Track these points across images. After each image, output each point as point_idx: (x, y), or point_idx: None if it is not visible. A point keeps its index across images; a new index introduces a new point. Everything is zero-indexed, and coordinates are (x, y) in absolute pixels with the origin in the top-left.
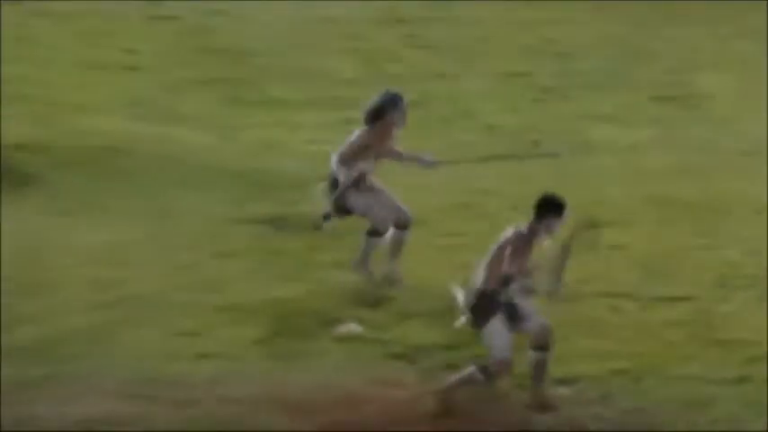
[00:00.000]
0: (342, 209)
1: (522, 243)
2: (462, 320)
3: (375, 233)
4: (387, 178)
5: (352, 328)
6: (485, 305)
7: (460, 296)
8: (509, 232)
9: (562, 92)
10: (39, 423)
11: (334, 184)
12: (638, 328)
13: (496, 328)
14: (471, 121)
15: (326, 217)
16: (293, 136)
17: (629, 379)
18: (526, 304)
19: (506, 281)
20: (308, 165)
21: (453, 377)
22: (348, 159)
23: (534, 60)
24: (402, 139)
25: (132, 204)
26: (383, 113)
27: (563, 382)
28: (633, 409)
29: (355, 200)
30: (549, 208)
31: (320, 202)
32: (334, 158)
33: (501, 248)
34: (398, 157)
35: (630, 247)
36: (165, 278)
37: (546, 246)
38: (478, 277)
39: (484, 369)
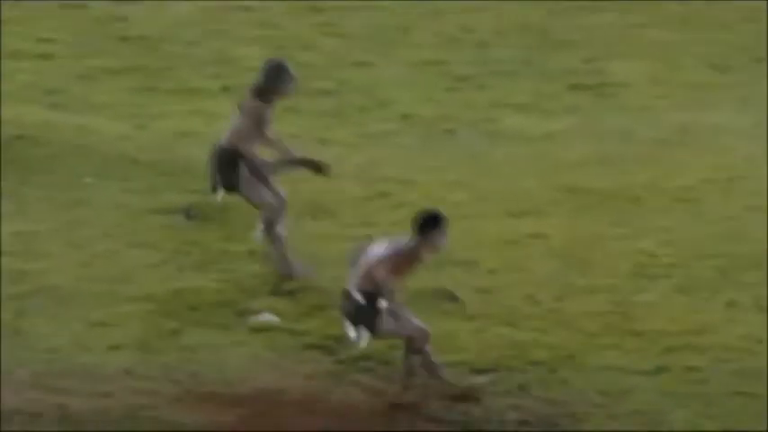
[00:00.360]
0: (230, 187)
1: (405, 259)
2: (362, 337)
3: (271, 226)
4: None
5: (268, 317)
6: (370, 310)
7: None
8: (392, 244)
9: (478, 80)
10: None
11: (226, 160)
12: (554, 319)
13: (389, 317)
14: (387, 110)
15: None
16: (208, 125)
17: (546, 369)
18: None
19: (380, 288)
20: None
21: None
22: (252, 137)
23: (450, 49)
24: (318, 128)
25: (46, 194)
26: (274, 84)
27: (481, 371)
28: (551, 400)
29: (248, 186)
30: (431, 224)
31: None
32: (229, 138)
33: (393, 255)
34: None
35: (546, 237)
36: (80, 269)
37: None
38: (356, 281)
39: (412, 349)
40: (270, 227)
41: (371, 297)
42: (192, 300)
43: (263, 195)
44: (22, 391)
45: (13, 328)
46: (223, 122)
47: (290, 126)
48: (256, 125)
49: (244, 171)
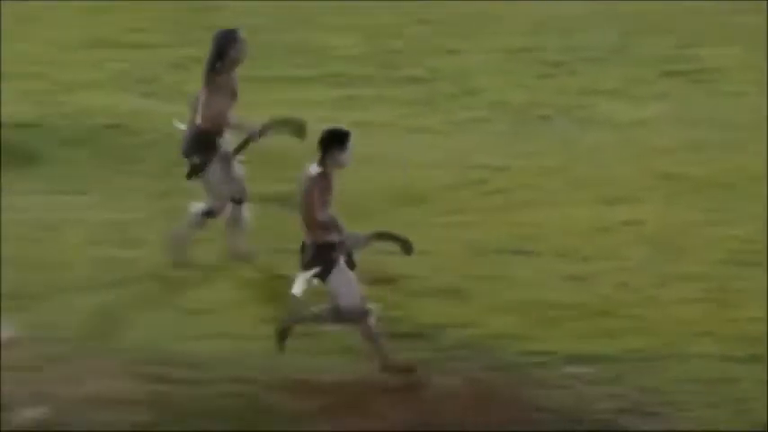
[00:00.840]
0: (196, 170)
1: (323, 183)
2: (305, 278)
3: (210, 214)
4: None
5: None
6: (323, 256)
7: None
8: (307, 177)
9: (569, 67)
10: (47, 401)
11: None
12: (649, 306)
13: (339, 277)
14: (477, 97)
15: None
16: (299, 113)
17: (642, 357)
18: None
19: (326, 227)
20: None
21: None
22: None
23: (540, 35)
24: (408, 116)
25: (140, 183)
26: (224, 54)
27: (577, 361)
28: (647, 388)
29: (214, 170)
30: (334, 140)
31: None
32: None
33: (308, 195)
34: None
35: (641, 224)
36: None
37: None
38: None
39: (334, 313)
40: (207, 214)
41: (323, 248)
42: (287, 288)
43: (222, 186)
44: (119, 380)
45: (108, 316)
46: (314, 110)
47: (379, 114)
48: (224, 97)
49: (217, 152)
